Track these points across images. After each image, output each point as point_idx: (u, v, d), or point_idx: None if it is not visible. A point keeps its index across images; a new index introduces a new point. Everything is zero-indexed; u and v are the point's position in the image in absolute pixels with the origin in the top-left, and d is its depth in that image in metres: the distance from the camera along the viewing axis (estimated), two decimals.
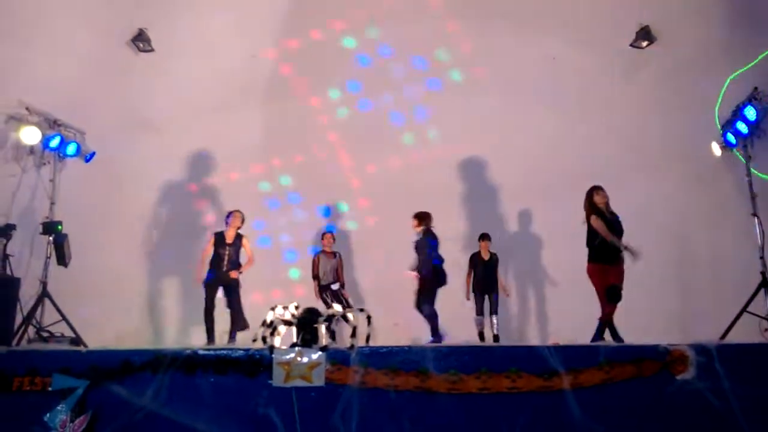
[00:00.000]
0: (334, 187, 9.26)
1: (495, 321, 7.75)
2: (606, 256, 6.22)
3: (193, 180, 9.20)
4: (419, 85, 9.43)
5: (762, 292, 6.56)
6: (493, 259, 7.96)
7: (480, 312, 7.78)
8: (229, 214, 7.54)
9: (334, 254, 8.07)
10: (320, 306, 6.54)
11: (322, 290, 7.86)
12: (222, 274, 7.27)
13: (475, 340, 7.49)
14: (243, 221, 7.55)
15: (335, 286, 7.89)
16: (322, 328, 5.19)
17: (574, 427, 4.88)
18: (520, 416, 4.90)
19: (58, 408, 4.87)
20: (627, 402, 4.96)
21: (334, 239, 8.15)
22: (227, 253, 7.32)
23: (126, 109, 8.49)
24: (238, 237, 7.45)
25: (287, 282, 8.82)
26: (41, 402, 4.90)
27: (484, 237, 8.01)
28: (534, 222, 9.14)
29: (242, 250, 7.48)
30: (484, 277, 7.84)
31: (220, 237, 7.41)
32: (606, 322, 6.20)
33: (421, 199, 8.86)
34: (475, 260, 7.94)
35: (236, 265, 7.35)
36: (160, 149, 8.77)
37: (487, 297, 7.81)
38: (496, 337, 7.71)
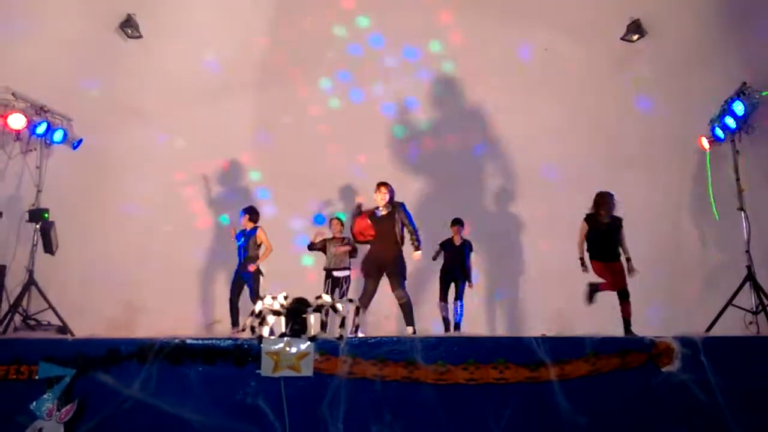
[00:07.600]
0: (324, 177, 9.21)
1: (458, 308, 7.49)
2: (602, 254, 6.54)
3: (181, 168, 9.13)
4: (410, 76, 9.41)
5: (747, 285, 6.62)
6: (465, 246, 7.74)
7: (443, 299, 7.59)
8: (241, 213, 7.75)
9: (342, 239, 7.72)
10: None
11: (326, 275, 7.64)
12: (240, 267, 7.54)
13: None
14: (251, 218, 7.66)
15: (338, 273, 7.59)
16: (312, 318, 5.18)
17: (560, 418, 4.91)
18: (507, 407, 4.93)
19: (45, 396, 4.82)
20: (612, 393, 4.99)
21: (342, 225, 7.81)
22: (242, 246, 7.57)
23: (114, 96, 8.38)
24: (254, 229, 7.60)
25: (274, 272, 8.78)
26: (27, 390, 4.85)
27: (456, 222, 7.80)
28: (520, 213, 9.13)
29: (258, 241, 7.58)
30: (453, 264, 7.63)
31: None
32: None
33: (410, 189, 8.92)
34: (445, 246, 7.74)
35: (252, 258, 7.49)
36: (148, 136, 8.70)
37: (453, 284, 7.60)
38: (456, 325, 7.44)
